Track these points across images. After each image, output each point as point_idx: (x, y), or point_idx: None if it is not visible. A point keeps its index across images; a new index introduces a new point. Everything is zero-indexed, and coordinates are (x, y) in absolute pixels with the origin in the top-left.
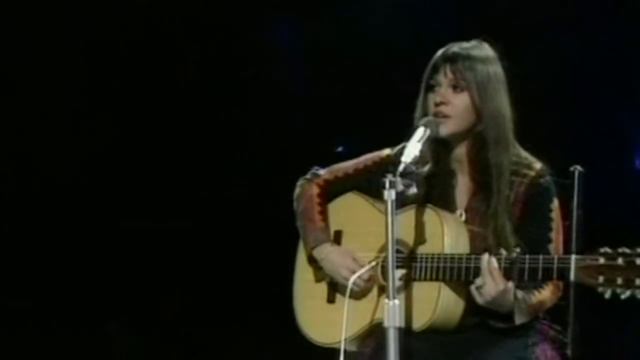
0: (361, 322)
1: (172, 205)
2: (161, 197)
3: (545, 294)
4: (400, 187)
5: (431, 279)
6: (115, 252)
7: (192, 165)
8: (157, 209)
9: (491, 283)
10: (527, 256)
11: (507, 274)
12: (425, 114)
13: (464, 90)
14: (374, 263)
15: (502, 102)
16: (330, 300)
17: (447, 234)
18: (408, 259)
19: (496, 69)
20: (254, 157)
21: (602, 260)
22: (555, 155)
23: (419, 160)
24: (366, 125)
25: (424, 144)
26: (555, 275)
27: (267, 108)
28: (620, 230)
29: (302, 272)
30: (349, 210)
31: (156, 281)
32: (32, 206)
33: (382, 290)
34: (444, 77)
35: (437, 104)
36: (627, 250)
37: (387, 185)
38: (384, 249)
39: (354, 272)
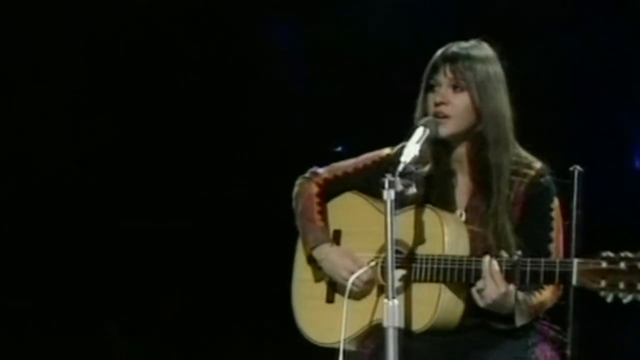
0: (360, 323)
1: (171, 205)
2: (161, 197)
3: (546, 295)
4: (400, 187)
5: (431, 281)
6: (114, 252)
7: (191, 165)
8: (157, 209)
9: (492, 286)
10: (529, 259)
11: (508, 277)
12: (425, 114)
13: (464, 90)
14: (373, 263)
15: (502, 102)
16: (330, 300)
17: (448, 235)
18: (407, 259)
19: (496, 69)
20: (253, 157)
21: (604, 265)
22: (555, 155)
23: (418, 160)
24: (366, 125)
25: (423, 144)
26: (557, 279)
27: (267, 108)
28: (620, 230)
29: (301, 272)
30: (348, 209)
31: (155, 281)
32: (32, 206)
33: (382, 290)
34: (444, 77)
35: (437, 104)
36: (629, 255)
37: (387, 185)
38: (383, 249)
39: (353, 273)
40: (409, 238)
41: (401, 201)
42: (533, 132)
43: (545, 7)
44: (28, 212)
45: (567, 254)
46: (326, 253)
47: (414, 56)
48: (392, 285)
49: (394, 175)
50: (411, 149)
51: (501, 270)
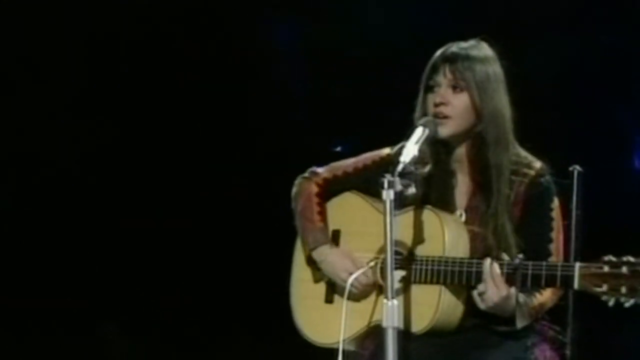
0: (360, 324)
1: (171, 205)
2: (161, 197)
3: (547, 295)
4: (399, 187)
5: (432, 282)
6: (114, 252)
7: (191, 165)
8: (157, 209)
9: (493, 289)
10: (530, 263)
11: (509, 280)
12: (424, 115)
13: (464, 91)
14: (372, 264)
15: (502, 102)
16: (329, 300)
17: (448, 236)
18: (407, 260)
19: (495, 69)
20: (253, 157)
21: (606, 269)
22: (554, 155)
23: (418, 161)
24: (366, 125)
25: (422, 144)
26: (558, 283)
27: (267, 108)
28: (620, 230)
29: (300, 272)
30: (347, 209)
31: (155, 281)
32: (31, 206)
33: (381, 291)
34: (443, 78)
35: (436, 105)
36: (631, 259)
37: (386, 185)
38: (382, 249)
39: (353, 274)
40: (408, 239)
41: (400, 201)
42: (533, 132)
43: (545, 7)
44: (27, 212)
45: (566, 254)
46: (326, 255)
47: (414, 56)
48: (392, 286)
49: (393, 175)
50: (410, 149)
51: (502, 273)
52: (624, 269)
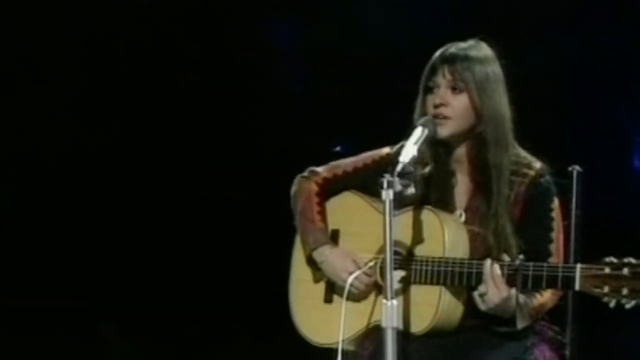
0: (359, 324)
1: (171, 205)
2: (160, 197)
3: (547, 296)
4: (398, 187)
5: (432, 283)
6: (113, 252)
7: (191, 165)
8: (156, 209)
9: (494, 290)
10: (531, 264)
11: (510, 281)
12: (424, 116)
13: (463, 92)
14: (371, 264)
15: (501, 102)
16: (328, 300)
17: (448, 236)
18: (406, 260)
19: (495, 69)
20: (253, 157)
21: (607, 270)
22: (554, 155)
23: (418, 161)
24: (366, 125)
25: (422, 144)
26: (559, 284)
27: (267, 108)
28: (619, 230)
29: (300, 272)
30: (346, 209)
31: (154, 281)
32: (30, 206)
33: (381, 292)
34: (443, 79)
35: (436, 106)
36: (632, 261)
37: (385, 185)
38: (381, 250)
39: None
40: (407, 239)
41: (400, 201)
42: (533, 132)
43: (545, 7)
44: (27, 212)
45: (566, 254)
46: (326, 255)
47: (414, 56)
48: (391, 286)
49: (392, 175)
50: (409, 149)
51: (503, 274)
52: (625, 271)
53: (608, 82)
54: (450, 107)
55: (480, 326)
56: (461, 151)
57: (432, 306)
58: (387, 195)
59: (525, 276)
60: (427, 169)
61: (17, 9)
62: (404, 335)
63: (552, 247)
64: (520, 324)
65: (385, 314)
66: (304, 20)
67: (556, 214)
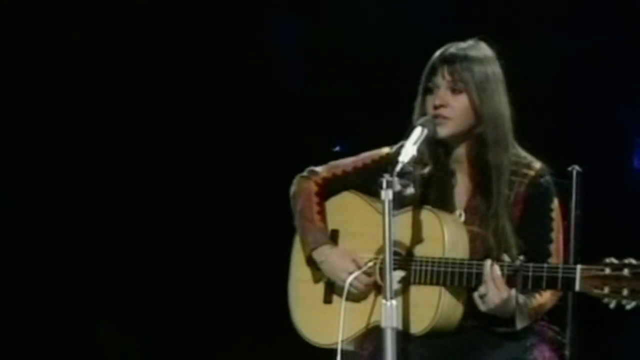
0: (358, 325)
1: (171, 205)
2: (160, 197)
3: (546, 296)
4: (398, 187)
5: (431, 283)
6: (113, 252)
7: (191, 165)
8: (156, 209)
9: (494, 291)
10: (531, 264)
11: (510, 282)
12: (423, 117)
13: (463, 92)
14: (370, 264)
15: (501, 102)
16: (327, 300)
17: (448, 236)
18: (406, 261)
19: (494, 69)
20: (253, 157)
21: (607, 271)
22: (554, 155)
23: (417, 161)
24: (366, 125)
25: (421, 144)
26: (559, 285)
27: (267, 108)
28: (619, 230)
29: (299, 272)
30: (346, 209)
31: (154, 281)
32: (30, 206)
33: (380, 292)
34: (442, 79)
35: (436, 107)
36: (633, 261)
37: (384, 185)
38: (381, 250)
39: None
40: (407, 239)
41: (399, 201)
42: (533, 132)
43: (545, 7)
44: (27, 212)
45: (566, 254)
46: (326, 255)
47: (414, 56)
48: (390, 286)
49: (391, 175)
50: (409, 149)
51: (503, 274)
52: (626, 272)
53: (608, 82)
54: (450, 108)
55: (480, 327)
56: (461, 151)
57: (432, 307)
58: (387, 195)
59: (525, 277)
60: (426, 169)
61: (17, 9)
62: (404, 336)
63: (552, 247)
64: (520, 324)
65: (384, 314)
66: (304, 20)
67: (556, 214)
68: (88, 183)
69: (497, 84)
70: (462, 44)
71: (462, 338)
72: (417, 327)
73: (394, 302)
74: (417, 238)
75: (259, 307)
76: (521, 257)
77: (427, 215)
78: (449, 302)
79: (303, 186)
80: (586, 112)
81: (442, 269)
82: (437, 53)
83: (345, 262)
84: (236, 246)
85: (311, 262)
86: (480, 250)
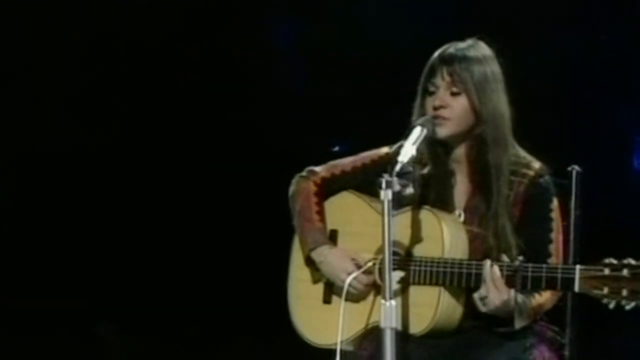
0: (357, 325)
1: (170, 205)
2: (160, 197)
3: (546, 296)
4: (397, 187)
5: (431, 284)
6: (113, 252)
7: (191, 165)
8: (156, 209)
9: (495, 293)
10: (530, 265)
11: (509, 282)
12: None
13: (462, 93)
14: (370, 264)
15: (501, 102)
16: (326, 301)
17: (447, 236)
18: (405, 261)
19: (493, 68)
20: (253, 157)
21: (607, 271)
22: (554, 155)
23: (416, 161)
24: (366, 125)
25: (421, 144)
26: (559, 286)
27: (267, 108)
28: (619, 230)
29: (298, 272)
30: (345, 209)
31: (154, 281)
32: (30, 206)
33: (379, 292)
34: (442, 80)
35: (435, 108)
36: (632, 262)
37: (384, 185)
38: (380, 250)
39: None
40: (406, 239)
41: (399, 201)
42: (532, 132)
43: (545, 7)
44: (27, 212)
45: (565, 255)
46: (325, 255)
47: (414, 56)
48: (390, 286)
49: (391, 175)
50: (408, 149)
51: (502, 275)
52: (625, 272)
53: (608, 82)
54: (449, 109)
55: (480, 327)
56: (460, 151)
57: (431, 307)
58: (386, 195)
59: (524, 277)
60: (426, 169)
61: (17, 9)
62: (403, 336)
63: (552, 247)
64: (519, 324)
65: (384, 314)
66: (304, 20)
67: (556, 214)
68: (88, 183)
69: (497, 84)
70: (461, 44)
71: (461, 338)
72: (417, 327)
73: (393, 302)
74: (416, 238)
75: (259, 307)
76: (520, 258)
77: (426, 215)
78: (448, 302)
79: (302, 186)
80: (586, 112)
81: (441, 269)
82: (436, 53)
83: (344, 262)
84: (236, 246)
85: (310, 262)
86: (480, 250)
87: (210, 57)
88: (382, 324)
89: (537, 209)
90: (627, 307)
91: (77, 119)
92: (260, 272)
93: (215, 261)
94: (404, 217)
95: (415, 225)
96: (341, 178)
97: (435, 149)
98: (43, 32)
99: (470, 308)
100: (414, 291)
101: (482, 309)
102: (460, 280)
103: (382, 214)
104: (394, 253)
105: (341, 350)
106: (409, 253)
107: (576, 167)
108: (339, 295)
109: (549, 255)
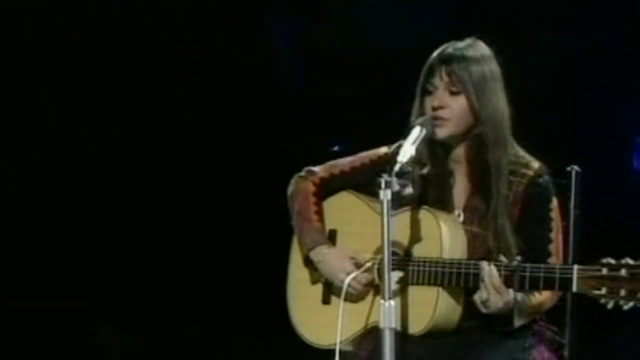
0: (356, 326)
1: (170, 205)
2: (160, 197)
3: (546, 295)
4: (396, 187)
5: (429, 284)
6: (113, 252)
7: (191, 165)
8: (156, 209)
9: (496, 296)
10: (528, 265)
11: (507, 282)
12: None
13: (461, 93)
14: (369, 264)
15: (500, 102)
16: (325, 301)
17: (445, 236)
18: (404, 261)
19: (492, 68)
20: (253, 157)
21: (604, 271)
22: (553, 154)
23: (415, 160)
24: (366, 125)
25: (420, 144)
26: (557, 286)
27: (267, 108)
28: (618, 231)
29: (297, 272)
30: (344, 209)
31: (154, 281)
32: (30, 206)
33: (378, 292)
34: (440, 81)
35: (434, 108)
36: (630, 262)
37: (383, 185)
38: (379, 250)
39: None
40: (405, 239)
41: (398, 201)
42: (532, 132)
43: (545, 7)
44: (27, 212)
45: (565, 254)
46: (324, 255)
47: (414, 56)
48: (389, 286)
49: (390, 175)
50: (408, 149)
51: (500, 275)
52: (623, 272)
53: (608, 82)
54: (448, 109)
55: (479, 327)
56: (459, 151)
57: (430, 307)
58: (385, 195)
59: (522, 277)
60: (425, 169)
61: (17, 9)
62: (402, 336)
63: (552, 247)
64: (518, 322)
65: (383, 314)
66: (304, 20)
67: (555, 213)
68: (88, 183)
69: (495, 83)
70: (460, 44)
71: (460, 338)
72: (415, 327)
73: (392, 302)
74: (415, 238)
75: (259, 307)
76: (518, 258)
77: (425, 215)
78: (447, 302)
79: (300, 186)
80: (585, 112)
81: (439, 269)
82: (435, 53)
83: (342, 262)
84: (236, 246)
85: (309, 263)
86: (480, 250)
87: (210, 57)
88: (382, 324)
89: (537, 208)
90: (625, 307)
91: (77, 119)
92: (260, 272)
93: (215, 261)
94: (403, 217)
95: (414, 225)
96: (340, 178)
97: (435, 149)
98: (43, 32)
99: (469, 308)
100: (413, 291)
101: (483, 310)
102: (459, 280)
103: (381, 214)
104: (393, 253)
105: (340, 351)
106: (407, 253)
107: (575, 167)
108: (338, 295)
109: (549, 255)
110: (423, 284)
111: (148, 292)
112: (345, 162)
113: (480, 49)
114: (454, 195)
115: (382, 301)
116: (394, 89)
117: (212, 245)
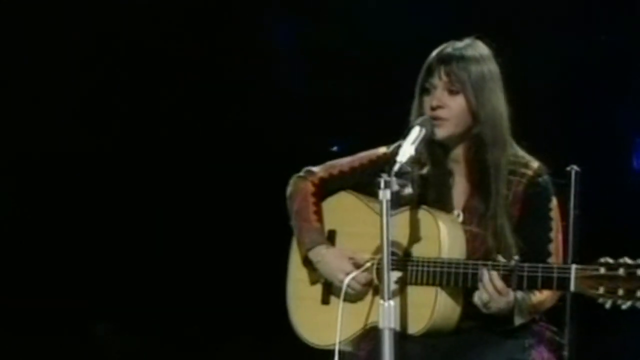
0: (355, 326)
1: (170, 205)
2: (159, 197)
3: (546, 294)
4: (396, 187)
5: (428, 284)
6: (113, 252)
7: (190, 165)
8: (155, 209)
9: (498, 298)
10: (526, 264)
11: (506, 282)
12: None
13: (460, 93)
14: (368, 264)
15: (499, 102)
16: (325, 301)
17: (444, 236)
18: (403, 261)
19: (491, 67)
20: (253, 157)
21: (602, 271)
22: (553, 154)
23: (415, 160)
24: (365, 125)
25: (419, 144)
26: (555, 285)
27: (267, 108)
28: (618, 230)
29: (296, 272)
30: (343, 209)
31: (154, 281)
32: (30, 206)
33: (377, 292)
34: (439, 80)
35: (433, 108)
36: (628, 261)
37: (382, 185)
38: (378, 250)
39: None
40: (404, 239)
41: (397, 201)
42: (531, 132)
43: (545, 7)
44: (27, 213)
45: (565, 254)
46: (322, 255)
47: (414, 56)
48: (388, 287)
49: (389, 175)
50: (407, 149)
51: (498, 274)
52: (621, 271)
53: (608, 82)
54: (447, 109)
55: (478, 327)
56: (458, 151)
57: (429, 307)
58: (384, 195)
59: (520, 277)
60: (424, 169)
61: (17, 9)
62: (401, 336)
63: (551, 247)
64: (518, 321)
65: (382, 314)
66: (304, 20)
67: (555, 213)
68: (88, 183)
69: (494, 83)
70: (459, 43)
71: (460, 338)
72: (414, 327)
73: (391, 302)
74: (413, 238)
75: (259, 307)
76: (516, 257)
77: (424, 215)
78: (446, 302)
79: (300, 186)
80: (585, 112)
81: (438, 270)
82: (434, 53)
83: (341, 262)
84: (236, 246)
85: (308, 263)
86: (479, 250)
87: (210, 57)
88: (381, 325)
89: (536, 208)
90: (623, 307)
91: (77, 119)
92: (259, 272)
93: (214, 261)
94: (402, 217)
95: (413, 226)
96: (339, 178)
97: (434, 149)
98: (43, 32)
99: (468, 308)
100: (412, 291)
101: (485, 311)
102: (457, 280)
103: (381, 214)
104: (392, 253)
105: (340, 351)
106: (406, 253)
107: (575, 167)
108: (337, 295)
109: (548, 254)
110: (422, 284)
111: (148, 292)
112: (345, 163)
113: (479, 48)
114: (453, 195)
115: (381, 301)
116: (394, 89)
117: (211, 245)
